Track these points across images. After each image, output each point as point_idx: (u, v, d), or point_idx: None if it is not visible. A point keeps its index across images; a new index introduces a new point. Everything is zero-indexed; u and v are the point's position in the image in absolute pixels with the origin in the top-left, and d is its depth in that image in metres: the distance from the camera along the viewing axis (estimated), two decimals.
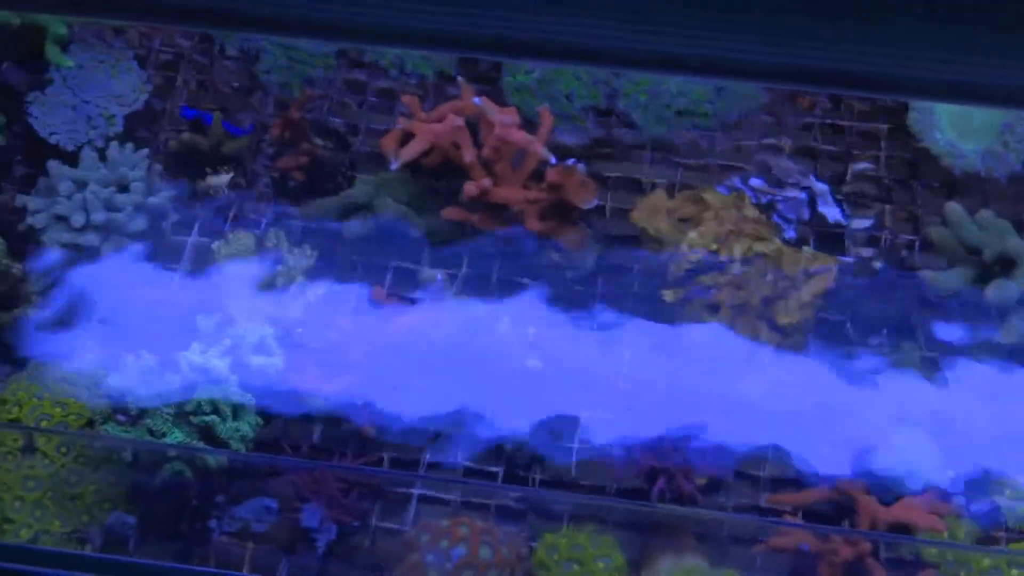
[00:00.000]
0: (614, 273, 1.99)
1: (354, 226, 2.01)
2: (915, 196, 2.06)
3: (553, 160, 1.96)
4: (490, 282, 1.99)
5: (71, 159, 2.01)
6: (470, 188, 1.95)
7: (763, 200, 2.01)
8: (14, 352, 1.90)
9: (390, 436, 1.86)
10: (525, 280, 1.98)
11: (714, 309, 1.89)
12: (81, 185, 1.96)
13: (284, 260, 1.96)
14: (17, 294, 1.92)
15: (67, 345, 1.89)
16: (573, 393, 1.87)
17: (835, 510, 1.79)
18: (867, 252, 2.00)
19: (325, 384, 1.87)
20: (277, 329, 1.90)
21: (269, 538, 1.76)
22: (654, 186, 2.06)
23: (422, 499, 1.82)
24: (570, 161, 1.97)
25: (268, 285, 1.95)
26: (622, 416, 1.85)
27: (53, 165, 1.97)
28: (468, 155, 1.96)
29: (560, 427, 1.85)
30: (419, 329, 1.93)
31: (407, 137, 2.02)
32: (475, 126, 2.01)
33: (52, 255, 1.95)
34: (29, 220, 1.96)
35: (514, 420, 1.85)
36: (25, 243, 1.98)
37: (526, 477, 1.84)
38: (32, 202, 1.97)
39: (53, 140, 2.04)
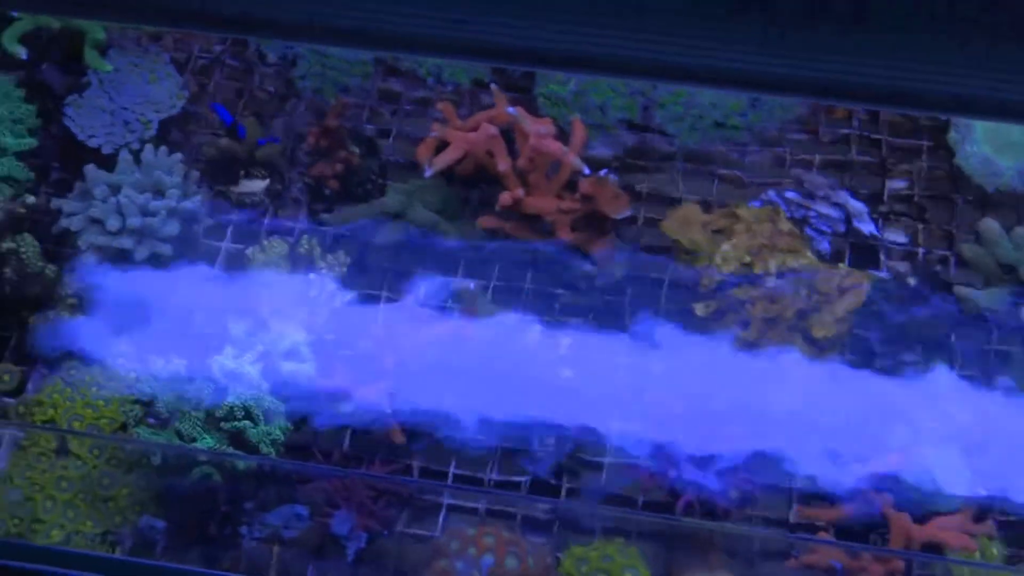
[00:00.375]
0: (645, 285, 1.98)
1: (387, 233, 2.01)
2: (951, 212, 2.05)
3: (587, 171, 1.96)
4: (522, 292, 1.99)
5: (107, 163, 2.02)
6: (504, 198, 1.95)
7: (797, 214, 2.00)
8: (48, 354, 1.91)
9: (419, 444, 1.86)
10: (556, 290, 1.98)
11: (746, 323, 1.89)
12: (116, 189, 1.97)
13: (317, 266, 1.97)
14: (51, 296, 1.93)
15: (100, 348, 1.90)
16: (603, 404, 1.86)
17: (866, 527, 1.78)
18: (901, 268, 1.99)
19: (356, 391, 1.87)
20: (309, 335, 1.90)
21: (299, 544, 1.76)
22: (684, 199, 2.06)
23: (450, 508, 1.82)
24: (602, 172, 1.97)
25: (300, 291, 1.96)
26: (652, 428, 1.84)
27: (89, 169, 1.98)
28: (503, 164, 1.96)
29: (589, 438, 1.85)
30: (450, 338, 1.93)
31: (442, 145, 2.02)
32: (509, 135, 2.01)
33: (87, 258, 1.96)
34: (64, 223, 1.97)
35: (543, 430, 1.85)
36: (60, 245, 1.99)
37: (555, 487, 1.84)
38: (68, 205, 1.98)
39: (90, 143, 2.06)
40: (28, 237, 1.92)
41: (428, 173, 2.01)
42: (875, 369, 1.88)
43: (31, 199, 1.99)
